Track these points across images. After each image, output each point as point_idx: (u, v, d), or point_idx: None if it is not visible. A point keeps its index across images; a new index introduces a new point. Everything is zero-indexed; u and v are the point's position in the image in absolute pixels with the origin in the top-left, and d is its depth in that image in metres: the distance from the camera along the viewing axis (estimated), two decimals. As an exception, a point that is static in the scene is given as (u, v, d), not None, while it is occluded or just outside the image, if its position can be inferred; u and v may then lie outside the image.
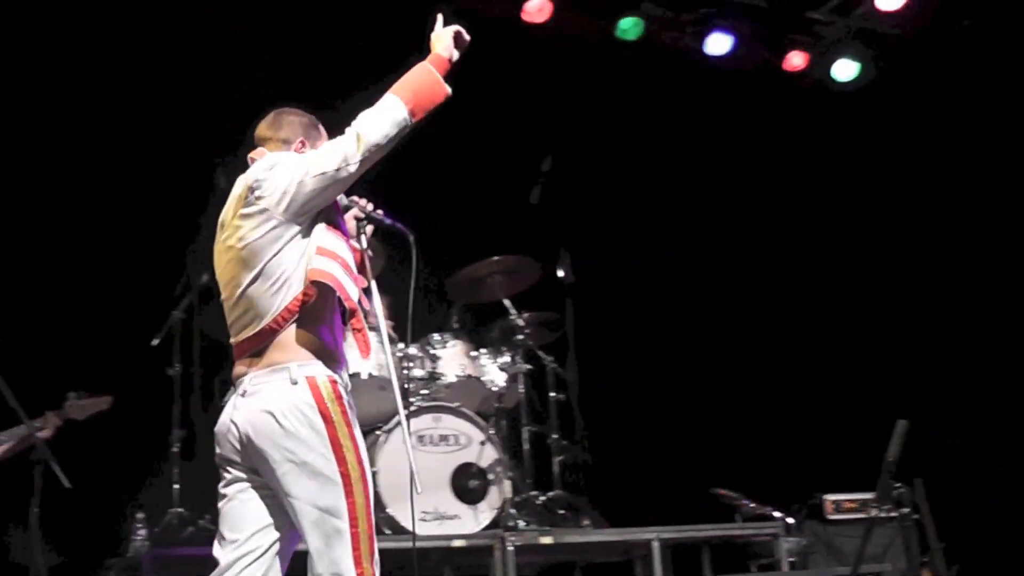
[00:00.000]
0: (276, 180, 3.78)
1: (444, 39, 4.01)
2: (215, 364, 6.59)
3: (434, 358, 7.04)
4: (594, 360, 7.55)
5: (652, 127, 9.08)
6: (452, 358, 7.09)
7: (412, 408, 6.72)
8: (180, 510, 6.72)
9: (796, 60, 9.28)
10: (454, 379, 7.04)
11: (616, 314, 8.79)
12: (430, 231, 8.09)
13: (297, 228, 3.81)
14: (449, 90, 3.93)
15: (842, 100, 9.38)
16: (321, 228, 3.85)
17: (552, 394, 7.44)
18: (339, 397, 3.77)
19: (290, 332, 3.79)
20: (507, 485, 6.76)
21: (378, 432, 6.61)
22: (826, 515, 7.21)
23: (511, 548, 6.44)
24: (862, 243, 9.47)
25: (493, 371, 7.32)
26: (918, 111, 9.37)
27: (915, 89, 9.42)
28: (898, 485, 6.63)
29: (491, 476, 6.74)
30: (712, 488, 7.56)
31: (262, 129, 4.12)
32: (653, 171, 9.16)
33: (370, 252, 4.09)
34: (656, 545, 6.67)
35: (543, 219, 7.70)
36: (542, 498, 7.07)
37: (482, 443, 6.76)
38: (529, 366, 7.37)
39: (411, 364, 6.96)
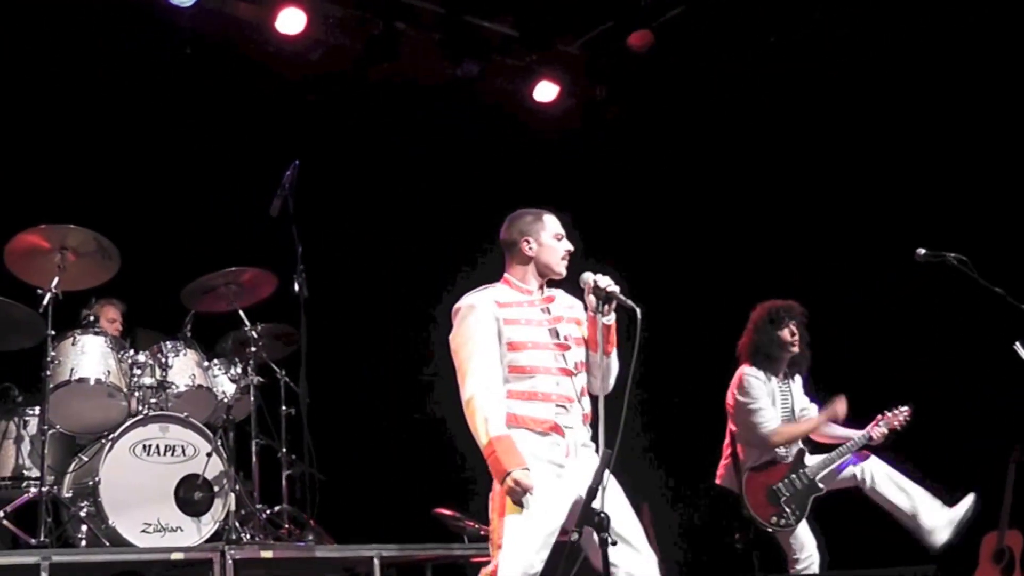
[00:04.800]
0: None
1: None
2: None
3: (165, 366, 6.90)
4: (327, 376, 7.54)
5: (402, 146, 9.18)
6: (183, 367, 6.98)
7: (139, 416, 6.59)
8: None
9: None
10: (184, 389, 6.93)
11: (351, 332, 8.80)
12: (168, 238, 8.09)
13: None
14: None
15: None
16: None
17: (283, 408, 7.43)
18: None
19: None
20: (232, 498, 6.69)
21: (104, 440, 6.44)
22: None
23: (231, 561, 6.30)
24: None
25: (224, 382, 7.26)
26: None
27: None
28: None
29: (216, 488, 6.66)
30: (435, 508, 7.66)
31: (502, 231, 4.93)
32: (398, 191, 9.26)
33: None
34: (377, 563, 6.70)
35: (282, 232, 7.64)
36: (268, 512, 7.04)
37: (209, 455, 6.66)
38: (261, 379, 7.32)
39: (140, 372, 6.81)
